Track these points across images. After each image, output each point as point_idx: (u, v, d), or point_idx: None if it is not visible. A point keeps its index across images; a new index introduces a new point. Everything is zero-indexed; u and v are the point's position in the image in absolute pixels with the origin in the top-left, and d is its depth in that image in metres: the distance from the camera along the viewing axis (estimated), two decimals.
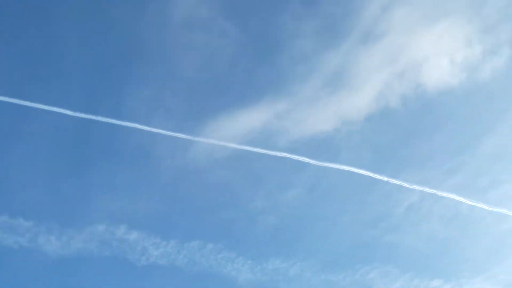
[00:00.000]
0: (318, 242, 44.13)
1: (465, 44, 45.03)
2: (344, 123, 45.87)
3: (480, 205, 40.43)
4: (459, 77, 44.89)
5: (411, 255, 43.00)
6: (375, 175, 41.88)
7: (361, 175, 42.09)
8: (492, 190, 41.85)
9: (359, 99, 46.19)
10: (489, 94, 45.21)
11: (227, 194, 45.02)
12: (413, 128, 46.21)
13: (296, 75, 47.02)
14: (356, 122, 46.00)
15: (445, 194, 41.12)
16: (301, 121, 46.56)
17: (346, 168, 42.53)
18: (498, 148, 44.16)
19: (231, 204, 44.69)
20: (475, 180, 43.16)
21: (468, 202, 40.62)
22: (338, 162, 42.96)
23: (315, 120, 46.62)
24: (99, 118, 40.45)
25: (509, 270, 40.07)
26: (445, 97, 45.40)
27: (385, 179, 41.17)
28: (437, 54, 45.58)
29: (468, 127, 45.51)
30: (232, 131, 44.60)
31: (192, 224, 43.42)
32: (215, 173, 45.51)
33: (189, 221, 43.36)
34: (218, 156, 44.96)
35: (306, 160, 42.70)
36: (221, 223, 43.56)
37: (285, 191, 45.50)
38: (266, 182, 46.02)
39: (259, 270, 41.66)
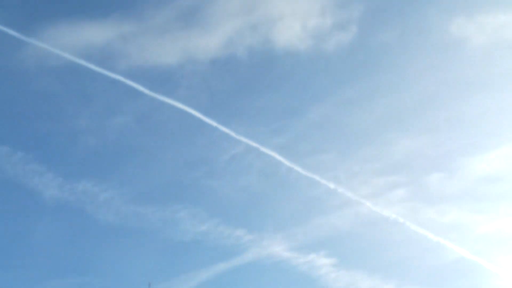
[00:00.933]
0: (135, 173, 43.56)
1: (319, 13, 46.16)
2: (189, 61, 45.23)
3: (296, 168, 42.17)
4: (306, 43, 46.05)
5: (223, 202, 44.03)
6: (206, 119, 41.83)
7: (193, 116, 41.82)
8: (310, 156, 43.89)
9: (209, 41, 45.69)
10: (330, 66, 46.95)
11: (50, 106, 42.59)
12: (253, 81, 46.86)
13: (151, 0, 45.30)
14: (201, 63, 45.57)
15: (268, 151, 42.28)
16: (146, 49, 45.09)
17: (180, 105, 41.96)
18: (324, 117, 46.28)
19: (53, 117, 42.39)
20: (298, 144, 44.99)
21: (287, 163, 42.19)
22: (173, 98, 42.22)
23: (160, 51, 45.40)
24: None
25: (306, 232, 42.59)
26: (289, 58, 46.40)
27: (215, 124, 41.33)
28: (292, 16, 46.27)
29: (303, 92, 47.05)
30: (71, 41, 41.94)
31: (3, 128, 40.63)
32: (42, 81, 42.71)
33: (0, 125, 40.54)
34: (49, 64, 42.17)
35: (141, 88, 41.46)
36: (38, 133, 41.28)
37: (113, 115, 44.10)
38: (95, 103, 44.20)
39: (68, 190, 40.25)
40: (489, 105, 44.13)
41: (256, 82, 46.75)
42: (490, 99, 44.16)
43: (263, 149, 42.36)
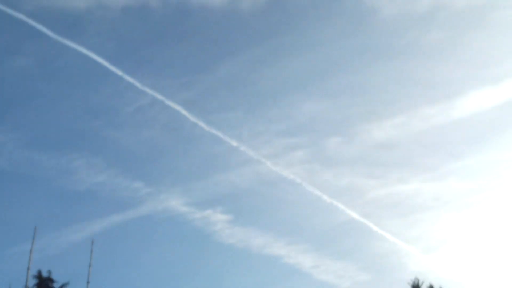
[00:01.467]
0: (32, 117, 42.29)
1: None
2: (100, 6, 43.69)
3: (201, 124, 41.83)
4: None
5: (123, 153, 43.57)
6: (112, 67, 40.64)
7: (99, 63, 40.55)
8: (216, 113, 43.71)
9: None
10: (243, 24, 46.50)
11: None
12: (164, 33, 45.91)
13: None
14: (113, 10, 44.13)
15: (173, 105, 41.67)
16: None
17: (85, 51, 40.52)
18: (232, 75, 46.10)
19: None
20: (205, 100, 44.67)
21: (191, 118, 41.77)
22: (79, 43, 40.74)
23: None
24: None
25: (205, 188, 42.70)
26: (203, 13, 45.65)
27: (120, 73, 40.26)
28: None
29: (214, 48, 46.60)
30: None
31: None
32: None
33: None
34: None
35: (45, 30, 39.74)
36: None
37: (13, 56, 42.37)
38: None
39: None
40: (391, 75, 45.03)
41: (167, 34, 45.84)
42: (393, 69, 44.98)
43: (169, 102, 41.71)
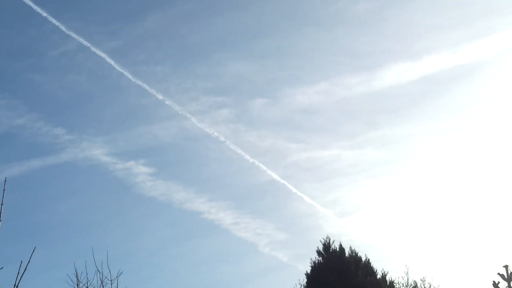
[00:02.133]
0: None
1: None
2: None
3: (127, 74, 41.66)
4: None
5: (46, 98, 42.83)
6: (37, 8, 39.67)
7: (22, 2, 39.51)
8: (144, 66, 43.55)
9: None
10: None
11: None
12: None
13: None
14: None
15: (100, 53, 41.25)
16: None
17: None
18: (162, 28, 45.95)
19: None
20: (133, 51, 44.47)
21: (118, 68, 41.51)
22: None
23: None
24: None
25: (128, 139, 42.78)
26: None
27: (45, 15, 39.40)
28: None
29: None
30: None
31: None
32: None
33: None
34: None
35: None
36: None
37: None
38: None
39: None
40: (318, 42, 46.23)
41: None
42: (320, 36, 46.13)
43: (95, 49, 41.24)
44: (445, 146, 44.08)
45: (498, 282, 22.23)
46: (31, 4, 38.89)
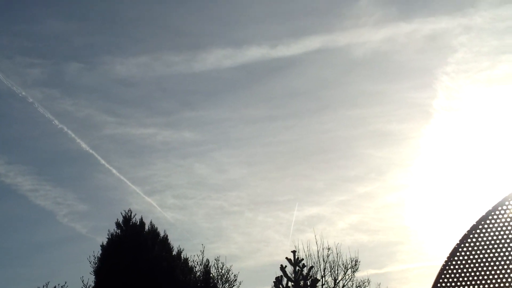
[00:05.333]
0: None
1: None
2: None
3: None
4: None
5: None
6: None
7: None
8: None
9: None
10: None
11: None
12: None
13: None
14: None
15: None
16: None
17: None
18: None
19: None
20: None
21: None
22: None
23: None
24: None
25: None
26: None
27: None
28: None
29: None
30: None
31: None
32: None
33: None
34: None
35: None
36: None
37: None
38: None
39: None
40: (142, 14, 45.57)
41: None
42: (148, 7, 45.31)
43: None
44: (256, 133, 45.94)
45: (285, 266, 23.84)
46: None
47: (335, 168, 45.01)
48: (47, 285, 20.33)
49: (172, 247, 21.98)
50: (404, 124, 46.16)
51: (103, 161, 40.09)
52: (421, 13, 44.01)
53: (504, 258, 11.49)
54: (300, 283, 23.26)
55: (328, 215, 39.17)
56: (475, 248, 11.69)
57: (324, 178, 42.48)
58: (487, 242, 11.62)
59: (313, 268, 24.66)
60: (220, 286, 23.47)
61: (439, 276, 11.87)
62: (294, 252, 23.83)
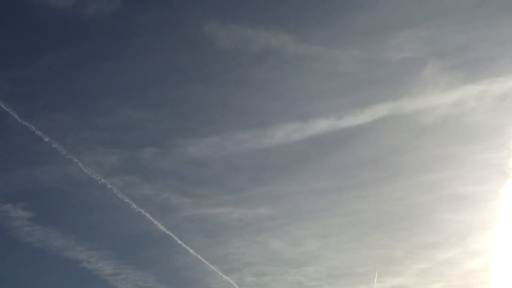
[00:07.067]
0: None
1: None
2: None
3: (14, 114, 40.26)
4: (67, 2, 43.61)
5: None
6: None
7: None
8: (28, 105, 42.12)
9: None
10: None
11: None
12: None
13: None
14: None
15: None
16: None
17: None
18: (53, 71, 44.80)
19: None
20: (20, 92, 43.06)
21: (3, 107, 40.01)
22: None
23: None
24: None
25: (5, 182, 40.94)
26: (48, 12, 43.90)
27: None
28: None
29: (37, 40, 44.94)
30: None
31: None
32: None
33: None
34: None
35: None
36: None
37: None
38: None
39: None
40: (211, 97, 47.08)
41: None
42: (213, 91, 47.03)
43: None
44: (329, 204, 45.96)
45: None
46: None
47: (413, 236, 44.29)
48: None
49: None
50: (481, 186, 45.10)
51: (180, 242, 40.98)
52: (489, 74, 43.90)
53: None
54: None
55: (411, 285, 38.26)
56: None
57: (402, 246, 41.86)
58: None
59: None
60: None
61: None
62: None
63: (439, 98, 42.78)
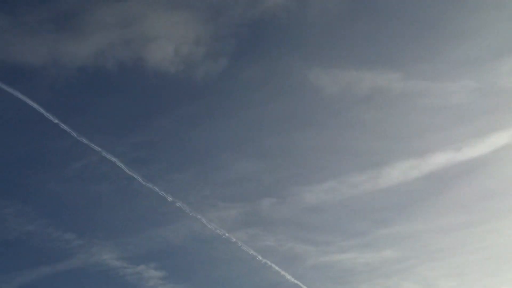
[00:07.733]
0: None
1: (194, 41, 46.24)
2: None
3: (138, 178, 42.06)
4: (177, 67, 45.79)
5: (55, 203, 42.65)
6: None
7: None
8: (149, 167, 43.90)
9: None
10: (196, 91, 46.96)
11: None
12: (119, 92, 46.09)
13: None
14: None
15: (111, 158, 41.66)
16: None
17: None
18: (167, 133, 46.47)
19: None
20: (143, 155, 45.01)
21: (127, 171, 41.87)
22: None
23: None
24: None
25: (139, 243, 42.41)
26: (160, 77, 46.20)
27: (56, 121, 40.07)
28: (166, 39, 45.94)
29: (149, 105, 47.05)
30: None
31: None
32: None
33: None
34: None
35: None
36: None
37: None
38: None
39: None
40: (323, 142, 47.10)
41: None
42: (323, 136, 47.10)
43: (105, 154, 41.71)
44: (458, 241, 44.14)
45: None
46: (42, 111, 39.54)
47: None
48: None
49: None
50: None
51: None
52: None
53: None
54: None
55: None
56: None
57: None
58: None
59: None
60: None
61: None
62: None
63: None
